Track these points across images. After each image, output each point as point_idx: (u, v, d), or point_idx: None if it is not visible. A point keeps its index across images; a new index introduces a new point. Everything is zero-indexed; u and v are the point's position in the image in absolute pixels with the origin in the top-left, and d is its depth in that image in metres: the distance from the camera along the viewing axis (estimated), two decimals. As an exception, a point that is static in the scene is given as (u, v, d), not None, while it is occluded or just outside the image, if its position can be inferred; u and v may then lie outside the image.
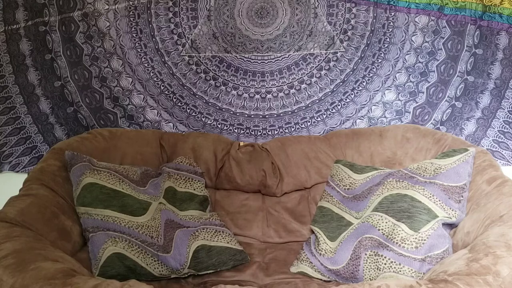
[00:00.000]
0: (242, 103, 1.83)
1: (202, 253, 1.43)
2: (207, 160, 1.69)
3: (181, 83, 1.81)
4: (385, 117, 1.82)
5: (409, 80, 1.79)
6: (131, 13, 1.75)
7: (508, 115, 1.76)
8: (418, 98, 1.80)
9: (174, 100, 1.82)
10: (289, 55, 1.78)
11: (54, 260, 1.19)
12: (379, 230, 1.36)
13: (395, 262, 1.30)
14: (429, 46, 1.75)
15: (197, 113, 1.83)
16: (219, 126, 1.85)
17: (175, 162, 1.65)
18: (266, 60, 1.79)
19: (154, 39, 1.77)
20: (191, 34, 1.77)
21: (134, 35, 1.76)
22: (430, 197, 1.37)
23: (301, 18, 1.76)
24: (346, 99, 1.81)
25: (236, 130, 1.85)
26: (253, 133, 1.85)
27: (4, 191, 1.50)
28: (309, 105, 1.82)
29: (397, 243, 1.32)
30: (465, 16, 1.69)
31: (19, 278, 1.10)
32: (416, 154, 1.61)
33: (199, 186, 1.62)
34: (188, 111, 1.83)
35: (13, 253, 1.17)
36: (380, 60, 1.78)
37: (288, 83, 1.81)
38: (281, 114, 1.84)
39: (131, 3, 1.74)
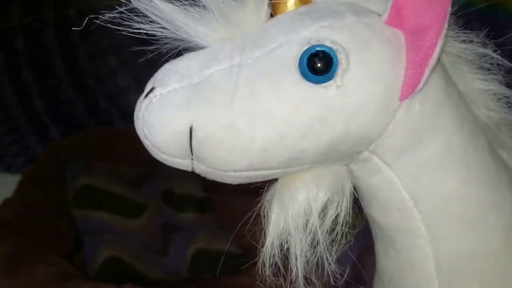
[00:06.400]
0: None
1: (200, 257, 1.41)
2: (206, 160, 1.67)
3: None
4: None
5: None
6: (129, 10, 1.73)
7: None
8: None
9: (172, 99, 1.80)
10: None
11: (49, 263, 1.18)
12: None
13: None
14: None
15: (196, 112, 1.82)
16: (218, 125, 1.83)
17: (173, 162, 1.64)
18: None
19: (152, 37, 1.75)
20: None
21: (132, 32, 1.73)
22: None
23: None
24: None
25: (235, 130, 1.83)
26: (252, 133, 1.83)
27: (-2, 192, 1.49)
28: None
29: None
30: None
31: (13, 281, 1.08)
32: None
33: (198, 188, 1.60)
34: (187, 110, 1.82)
35: (7, 256, 1.16)
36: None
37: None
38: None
39: None
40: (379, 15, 0.44)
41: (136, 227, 1.44)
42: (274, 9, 0.45)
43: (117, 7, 0.47)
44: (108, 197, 1.45)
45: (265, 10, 0.44)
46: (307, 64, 0.40)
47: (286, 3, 0.44)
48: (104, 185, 1.46)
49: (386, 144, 0.44)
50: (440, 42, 0.40)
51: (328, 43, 0.40)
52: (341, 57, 0.40)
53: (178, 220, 1.50)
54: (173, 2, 0.45)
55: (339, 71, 0.40)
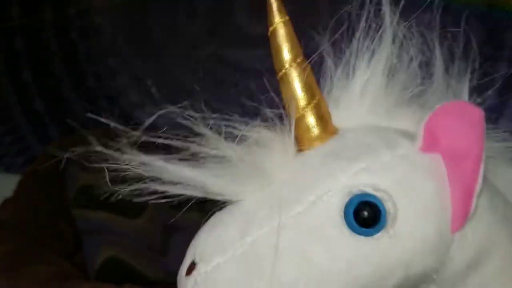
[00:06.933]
0: (243, 101, 1.81)
1: (201, 257, 1.41)
2: (206, 160, 1.67)
3: (179, 81, 1.79)
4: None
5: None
6: (128, 9, 1.73)
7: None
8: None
9: (172, 99, 1.80)
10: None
11: (49, 263, 1.16)
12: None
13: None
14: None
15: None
16: (218, 125, 1.83)
17: (173, 162, 1.63)
18: (268, 56, 1.77)
19: (152, 36, 1.75)
20: (189, 30, 1.75)
21: (132, 32, 1.74)
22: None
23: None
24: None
25: (235, 130, 1.83)
26: (253, 132, 1.83)
27: (-3, 192, 1.48)
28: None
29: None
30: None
31: (13, 281, 1.06)
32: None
33: (197, 187, 1.60)
34: (187, 110, 1.81)
35: (7, 256, 1.14)
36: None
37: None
38: (282, 114, 1.82)
39: (128, -1, 1.72)
40: (411, 140, 0.42)
41: (136, 227, 1.43)
42: (299, 142, 0.44)
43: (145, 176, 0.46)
44: (108, 197, 1.44)
45: (292, 148, 0.43)
46: (354, 217, 0.39)
47: (311, 135, 0.43)
48: (104, 185, 1.45)
49: (443, 276, 0.42)
50: (481, 167, 0.38)
51: (371, 191, 0.38)
52: (388, 205, 0.38)
53: (178, 220, 1.49)
54: (198, 163, 0.44)
55: (389, 219, 0.38)
